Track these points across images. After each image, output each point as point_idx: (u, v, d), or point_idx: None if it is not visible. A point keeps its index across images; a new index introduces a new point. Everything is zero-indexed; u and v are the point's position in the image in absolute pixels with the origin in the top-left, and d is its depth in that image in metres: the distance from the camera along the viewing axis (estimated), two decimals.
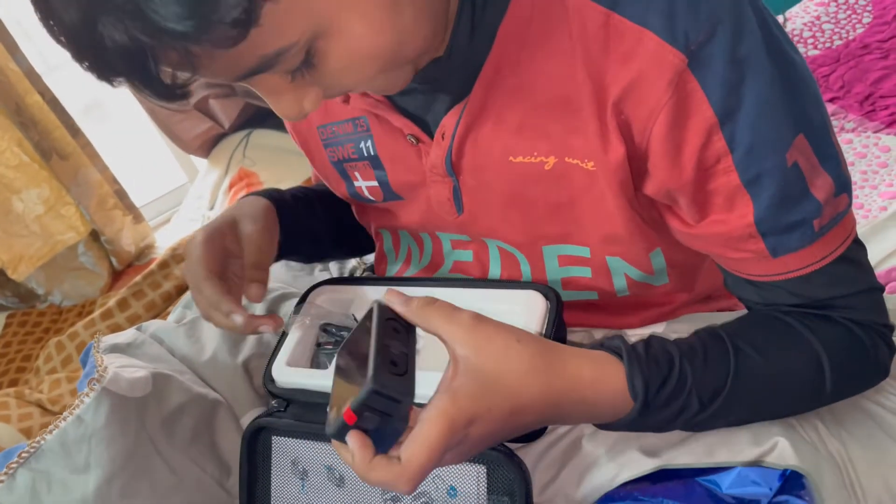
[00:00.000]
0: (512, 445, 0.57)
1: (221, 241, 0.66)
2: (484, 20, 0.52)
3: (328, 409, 0.49)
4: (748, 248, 0.54)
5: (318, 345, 0.70)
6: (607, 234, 0.60)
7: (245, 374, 0.75)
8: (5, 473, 0.60)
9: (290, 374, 0.67)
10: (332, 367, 0.66)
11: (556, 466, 0.60)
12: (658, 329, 0.68)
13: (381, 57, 0.47)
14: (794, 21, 1.49)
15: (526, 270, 0.68)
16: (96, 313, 1.44)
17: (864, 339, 0.55)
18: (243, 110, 1.88)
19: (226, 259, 0.67)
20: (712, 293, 0.73)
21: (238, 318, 0.61)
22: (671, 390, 0.51)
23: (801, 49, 1.45)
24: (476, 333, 0.48)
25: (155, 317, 1.46)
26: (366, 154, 0.66)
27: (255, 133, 1.89)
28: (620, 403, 0.51)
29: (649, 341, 0.53)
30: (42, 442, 0.61)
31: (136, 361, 0.71)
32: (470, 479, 0.58)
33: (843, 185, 0.53)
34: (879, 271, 0.99)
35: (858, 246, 0.56)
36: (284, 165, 1.72)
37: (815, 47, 1.44)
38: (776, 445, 0.53)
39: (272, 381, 0.67)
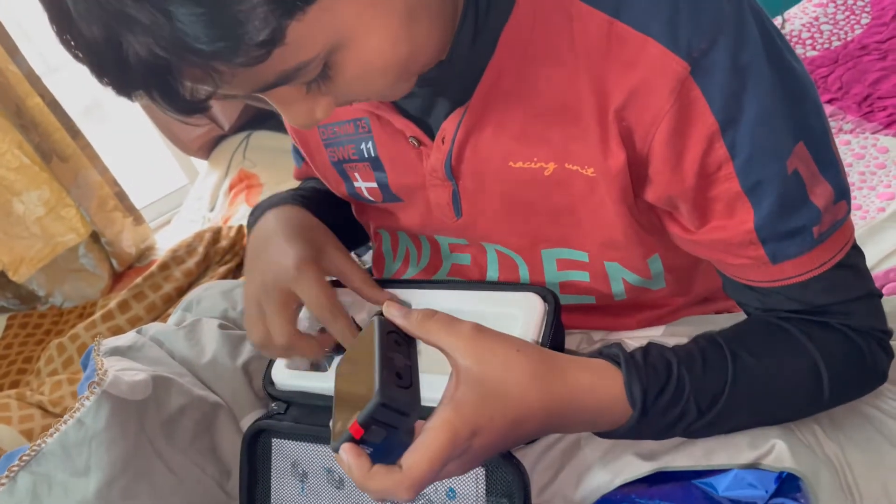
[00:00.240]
0: None
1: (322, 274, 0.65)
2: (487, 26, 0.52)
3: (331, 424, 0.49)
4: (748, 255, 0.54)
5: None
6: (606, 239, 0.60)
7: (245, 376, 0.75)
8: (6, 476, 0.61)
9: (289, 376, 0.67)
10: (331, 371, 0.67)
11: (555, 468, 0.60)
12: (656, 333, 0.69)
13: (396, 68, 0.47)
14: (792, 22, 1.50)
15: (524, 274, 0.68)
16: (97, 315, 1.44)
17: (861, 346, 0.56)
18: (243, 112, 1.88)
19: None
20: (710, 295, 0.73)
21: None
22: (669, 397, 0.51)
23: (799, 50, 1.45)
24: (477, 344, 0.48)
25: (155, 318, 1.47)
26: (366, 155, 0.67)
27: (255, 134, 1.90)
28: (619, 411, 0.51)
29: (647, 349, 0.53)
30: (43, 445, 0.61)
31: (137, 364, 0.71)
32: (469, 480, 0.58)
33: (842, 193, 0.53)
34: (877, 272, 0.99)
35: (857, 252, 0.57)
36: (285, 167, 1.72)
37: (814, 48, 1.44)
38: (773, 448, 0.53)
39: (272, 383, 0.68)
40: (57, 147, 1.61)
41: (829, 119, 1.15)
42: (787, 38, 1.47)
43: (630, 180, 0.54)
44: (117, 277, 1.76)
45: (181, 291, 1.51)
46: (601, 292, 0.66)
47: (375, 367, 0.46)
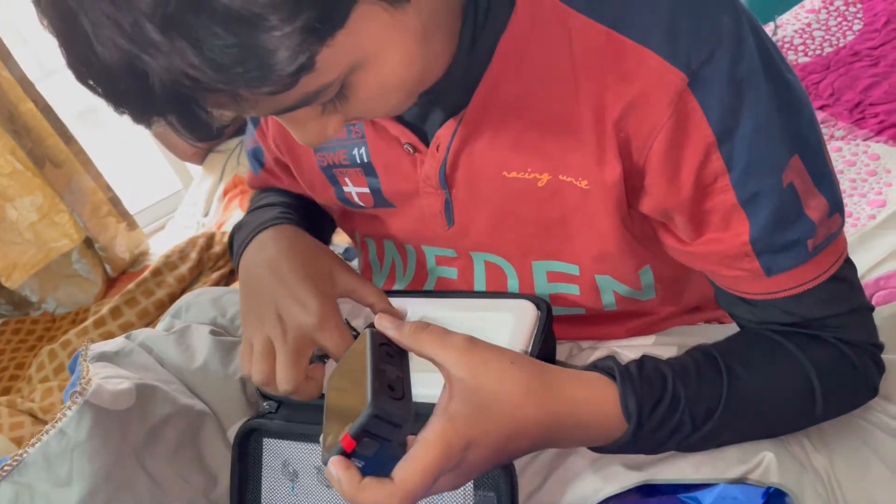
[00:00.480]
0: None
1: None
2: (484, 35, 0.52)
3: (322, 437, 0.49)
4: (742, 267, 0.54)
5: None
6: (598, 252, 0.60)
7: (236, 382, 0.75)
8: None
9: None
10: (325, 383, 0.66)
11: (542, 475, 0.60)
12: (647, 342, 0.69)
13: (410, 86, 0.47)
14: (784, 28, 1.50)
15: (514, 285, 0.68)
16: (89, 321, 1.44)
17: (854, 359, 0.56)
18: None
19: None
20: (700, 304, 0.73)
21: None
22: (664, 411, 0.51)
23: (791, 56, 1.45)
24: (470, 356, 0.48)
25: (148, 324, 1.47)
26: (358, 161, 0.66)
27: None
28: (614, 425, 0.51)
29: (642, 361, 0.53)
30: (25, 455, 0.61)
31: (123, 371, 0.71)
32: None
33: (836, 206, 0.53)
34: (867, 280, 0.99)
35: (849, 265, 0.57)
36: None
37: (806, 54, 1.44)
38: (761, 462, 0.53)
39: None
40: (50, 153, 1.61)
41: (821, 125, 1.15)
42: (780, 43, 1.47)
43: (625, 191, 0.54)
44: (111, 283, 1.76)
45: (174, 297, 1.51)
46: (591, 305, 0.66)
47: (367, 379, 0.45)
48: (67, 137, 1.65)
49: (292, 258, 0.64)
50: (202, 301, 0.86)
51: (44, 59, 2.10)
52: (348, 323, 0.62)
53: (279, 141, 0.73)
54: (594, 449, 0.54)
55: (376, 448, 0.45)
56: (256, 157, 0.80)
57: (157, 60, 0.36)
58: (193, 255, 1.57)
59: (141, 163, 2.23)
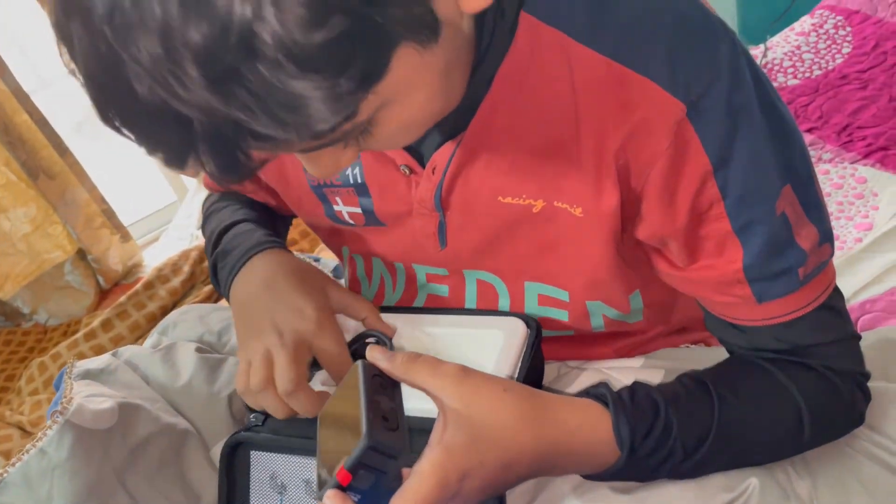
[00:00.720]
0: None
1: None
2: (485, 62, 0.52)
3: (316, 471, 0.48)
4: (735, 293, 0.55)
5: None
6: (590, 278, 0.61)
7: (222, 400, 0.75)
8: None
9: None
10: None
11: (528, 496, 0.60)
12: (635, 364, 0.69)
13: (430, 121, 0.48)
14: (774, 50, 1.51)
15: (504, 304, 0.68)
16: (80, 334, 1.44)
17: (841, 388, 0.57)
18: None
19: None
20: (687, 325, 0.74)
21: None
22: (657, 439, 0.52)
23: (780, 79, 1.46)
24: (463, 386, 0.48)
25: (139, 338, 1.47)
26: (351, 181, 0.66)
27: None
28: (607, 452, 0.51)
29: (634, 389, 0.54)
30: (5, 475, 0.61)
31: (106, 390, 0.71)
32: None
33: (826, 236, 0.54)
34: (853, 304, 1.00)
35: (838, 294, 0.58)
36: None
37: (795, 77, 1.45)
38: (746, 489, 0.54)
39: None
40: (44, 164, 1.62)
41: (809, 148, 1.16)
42: (770, 66, 1.49)
43: (621, 219, 0.55)
44: (103, 294, 1.76)
45: (165, 310, 1.51)
46: (580, 327, 0.67)
47: (362, 411, 0.45)
48: (62, 149, 1.65)
49: (287, 276, 0.65)
50: (189, 318, 0.86)
51: (41, 70, 2.11)
52: None
53: (270, 162, 0.74)
54: (586, 476, 0.54)
55: (372, 480, 0.45)
56: None
57: (205, 110, 0.35)
58: (186, 269, 1.57)
59: (136, 174, 2.24)
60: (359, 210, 0.68)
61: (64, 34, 0.36)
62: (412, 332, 0.67)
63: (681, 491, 0.54)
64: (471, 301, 0.70)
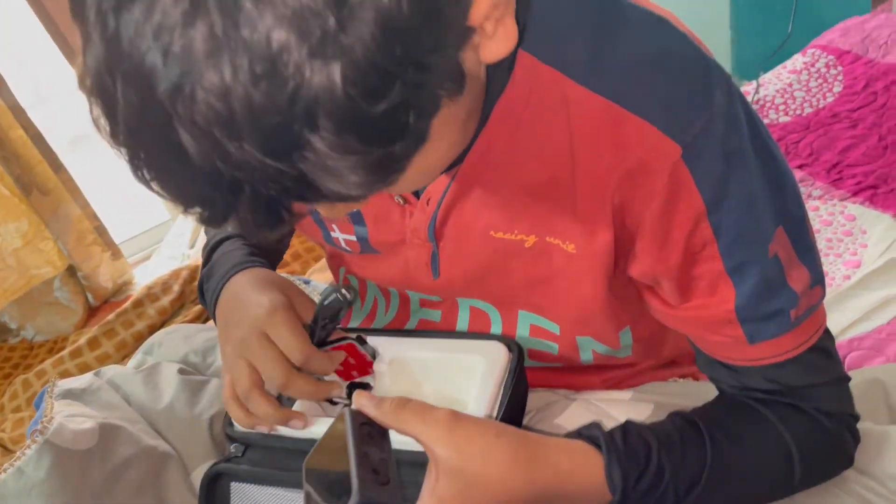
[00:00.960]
0: None
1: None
2: (484, 98, 0.53)
3: None
4: (726, 333, 0.55)
5: None
6: (580, 314, 0.61)
7: (202, 424, 0.74)
8: None
9: None
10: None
11: None
12: (624, 397, 0.69)
13: (446, 165, 0.48)
14: (766, 87, 1.53)
15: (497, 332, 0.68)
16: (66, 351, 1.43)
17: (831, 430, 0.57)
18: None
19: None
20: (677, 359, 0.74)
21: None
22: (649, 482, 0.52)
23: (772, 115, 1.48)
24: (455, 433, 0.48)
25: (125, 357, 1.46)
26: None
27: None
28: (600, 495, 0.51)
29: (627, 429, 0.54)
30: None
31: (87, 410, 0.70)
32: None
33: (817, 278, 0.55)
34: (841, 340, 1.00)
35: (828, 336, 0.58)
36: None
37: (786, 114, 1.47)
38: None
39: (231, 424, 0.67)
40: (38, 180, 1.62)
41: (799, 185, 1.17)
42: (761, 102, 1.51)
43: (614, 257, 0.55)
44: (92, 312, 1.75)
45: (154, 329, 1.50)
46: (569, 360, 0.67)
47: (352, 466, 0.44)
48: (56, 165, 1.66)
49: (257, 285, 0.65)
50: (175, 338, 0.86)
51: (38, 86, 2.12)
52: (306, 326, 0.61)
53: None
54: None
55: None
56: None
57: (261, 176, 0.35)
58: (176, 288, 1.57)
59: (130, 192, 2.23)
60: (354, 238, 0.68)
61: (103, 89, 0.34)
62: (395, 355, 0.67)
63: None
64: (462, 328, 0.70)
